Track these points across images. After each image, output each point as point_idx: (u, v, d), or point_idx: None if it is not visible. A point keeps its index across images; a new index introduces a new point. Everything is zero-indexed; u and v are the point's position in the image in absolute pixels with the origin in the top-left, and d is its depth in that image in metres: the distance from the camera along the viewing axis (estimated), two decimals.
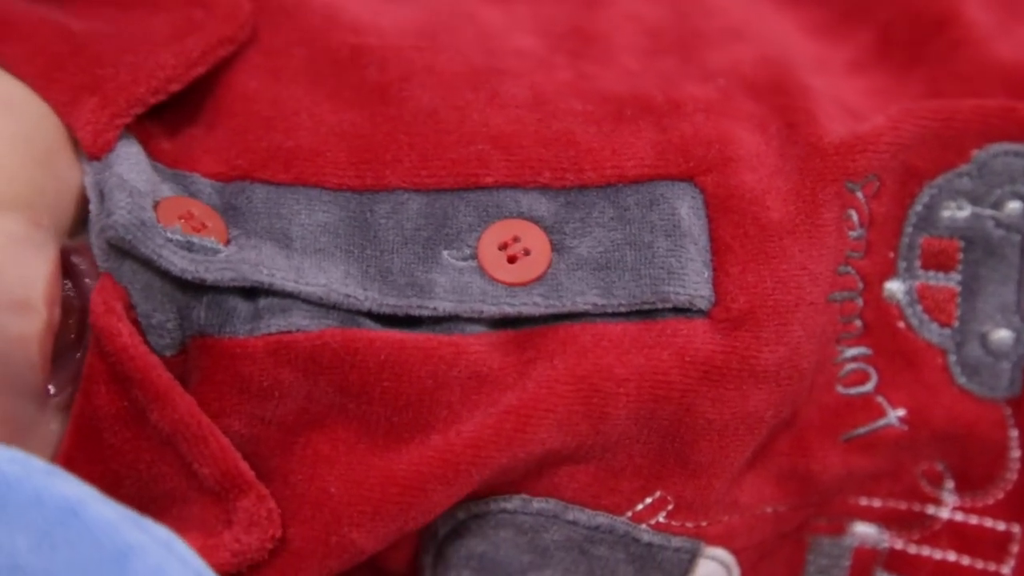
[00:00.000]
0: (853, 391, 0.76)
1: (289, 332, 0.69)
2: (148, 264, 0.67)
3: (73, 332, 0.69)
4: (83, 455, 0.68)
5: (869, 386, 0.76)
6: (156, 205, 0.69)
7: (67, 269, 0.69)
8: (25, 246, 0.67)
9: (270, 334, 0.68)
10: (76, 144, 0.71)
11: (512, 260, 0.71)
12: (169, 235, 0.68)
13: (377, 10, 0.78)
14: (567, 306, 0.70)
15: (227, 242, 0.70)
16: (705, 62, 0.77)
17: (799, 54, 0.79)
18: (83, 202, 0.70)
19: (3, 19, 0.74)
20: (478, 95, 0.74)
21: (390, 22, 0.77)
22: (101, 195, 0.68)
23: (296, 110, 0.73)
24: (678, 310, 0.71)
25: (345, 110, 0.73)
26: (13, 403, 0.67)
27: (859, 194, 0.74)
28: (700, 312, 0.71)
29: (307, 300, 0.69)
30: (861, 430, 0.76)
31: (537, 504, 0.72)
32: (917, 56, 0.80)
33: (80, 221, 0.71)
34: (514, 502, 0.72)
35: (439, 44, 0.76)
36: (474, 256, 0.71)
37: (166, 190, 0.70)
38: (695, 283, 0.71)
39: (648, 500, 0.73)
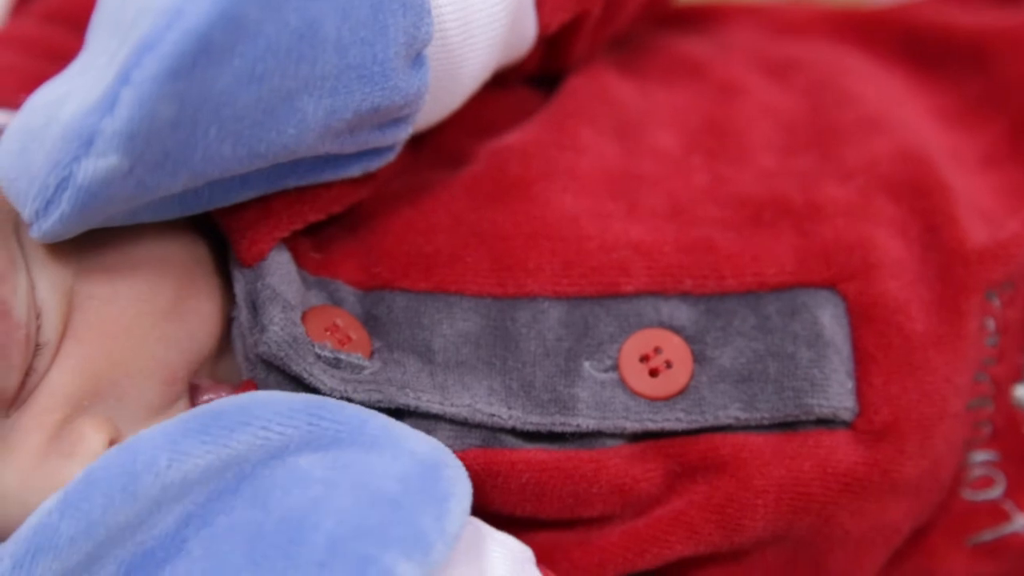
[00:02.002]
0: (980, 496, 0.75)
1: None
2: (295, 379, 0.66)
3: None
4: None
5: (996, 491, 0.75)
6: (304, 315, 0.67)
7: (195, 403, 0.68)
8: (161, 417, 0.66)
9: None
10: (206, 262, 0.69)
11: (654, 373, 0.69)
12: (319, 351, 0.66)
13: (521, 98, 0.78)
14: (709, 421, 0.69)
15: (371, 354, 0.68)
16: (843, 159, 0.75)
17: (935, 147, 0.77)
18: (214, 330, 0.69)
19: None
20: (618, 205, 0.72)
21: (531, 119, 0.76)
22: (252, 306, 0.67)
23: (434, 208, 0.71)
24: (821, 421, 0.70)
25: (485, 206, 0.71)
26: None
27: (996, 301, 0.73)
28: (843, 423, 0.70)
29: (451, 420, 0.67)
30: (987, 535, 0.75)
31: None
32: None
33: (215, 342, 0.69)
34: None
35: (580, 143, 0.74)
36: (615, 367, 0.69)
37: (312, 298, 0.69)
38: (838, 395, 0.69)
39: None
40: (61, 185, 0.59)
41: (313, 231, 0.71)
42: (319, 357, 0.66)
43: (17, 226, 0.65)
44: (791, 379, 0.69)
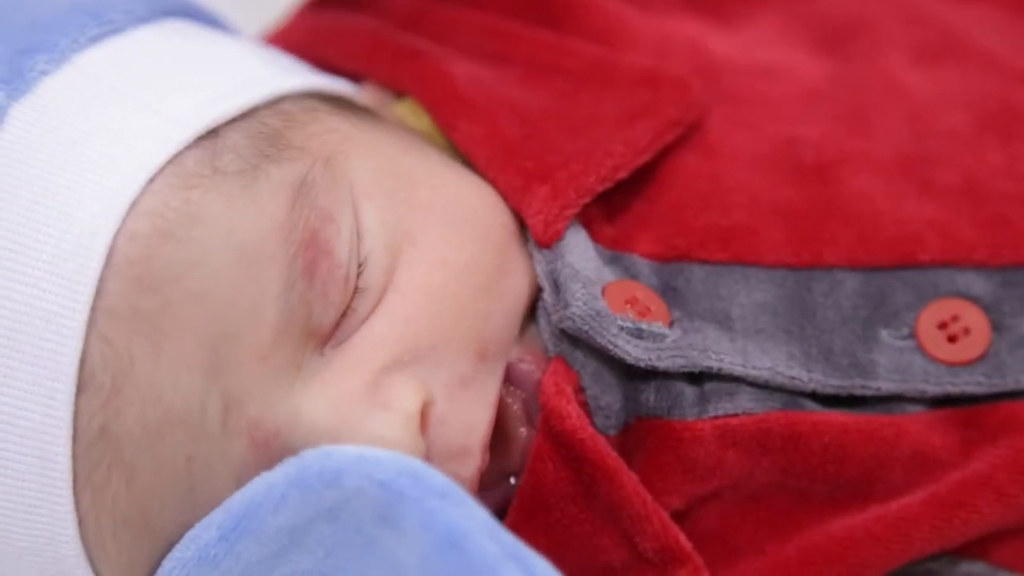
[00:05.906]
0: None
1: (735, 415, 0.69)
2: (600, 351, 0.68)
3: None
4: (528, 528, 0.68)
5: None
6: (604, 290, 0.69)
7: (512, 378, 0.70)
8: (469, 390, 0.68)
9: (717, 417, 0.69)
10: (517, 241, 0.71)
11: (952, 339, 0.70)
12: (621, 323, 0.68)
13: (810, 91, 0.78)
14: (1010, 384, 0.69)
15: (670, 324, 0.70)
16: None
17: None
18: (523, 308, 0.71)
19: (463, 97, 0.75)
20: (911, 184, 0.73)
21: (822, 110, 0.77)
22: (555, 284, 0.69)
23: (732, 186, 0.73)
24: None
25: (781, 186, 0.73)
26: None
27: None
28: None
29: (752, 383, 0.69)
30: None
31: (965, 566, 0.71)
32: None
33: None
34: (941, 562, 0.71)
35: (872, 130, 0.75)
36: (912, 335, 0.70)
37: (609, 273, 0.71)
38: None
39: None
40: None
41: (604, 199, 0.72)
42: (622, 329, 0.68)
43: (352, 184, 0.68)
44: None
